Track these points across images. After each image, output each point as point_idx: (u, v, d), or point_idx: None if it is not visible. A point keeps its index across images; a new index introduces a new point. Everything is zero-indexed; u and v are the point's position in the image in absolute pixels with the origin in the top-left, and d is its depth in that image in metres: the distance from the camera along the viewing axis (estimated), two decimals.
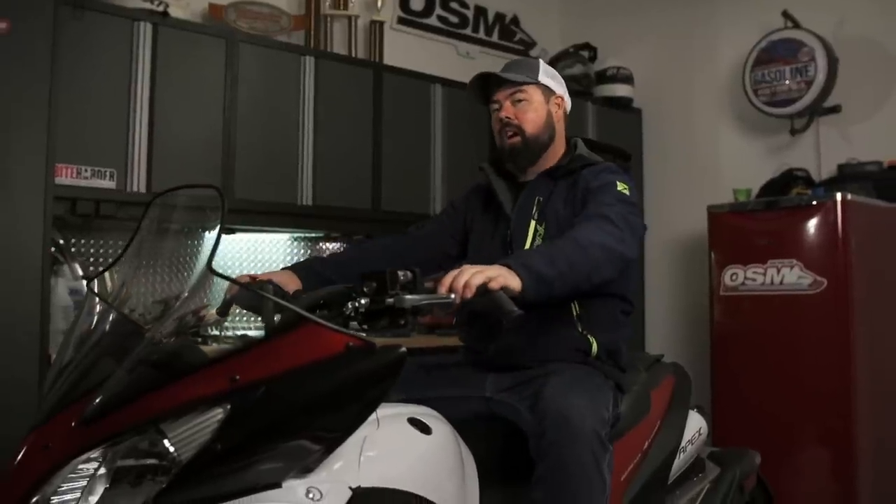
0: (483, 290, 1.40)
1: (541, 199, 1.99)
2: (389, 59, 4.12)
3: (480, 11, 4.79)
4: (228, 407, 1.16)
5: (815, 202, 3.37)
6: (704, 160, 4.24)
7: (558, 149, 2.09)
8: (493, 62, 4.79)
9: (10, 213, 2.62)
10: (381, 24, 4.16)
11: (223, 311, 1.87)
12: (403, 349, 1.22)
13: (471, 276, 1.42)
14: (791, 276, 3.36)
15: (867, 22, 3.80)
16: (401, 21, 4.40)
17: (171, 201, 1.67)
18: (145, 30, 3.12)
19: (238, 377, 1.17)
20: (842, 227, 3.27)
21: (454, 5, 4.66)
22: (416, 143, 3.98)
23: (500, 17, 4.88)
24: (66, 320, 2.76)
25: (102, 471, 1.21)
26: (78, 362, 1.35)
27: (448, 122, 4.08)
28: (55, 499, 1.20)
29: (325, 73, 3.63)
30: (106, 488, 1.21)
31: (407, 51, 4.30)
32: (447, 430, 1.58)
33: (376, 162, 3.80)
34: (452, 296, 1.38)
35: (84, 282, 2.97)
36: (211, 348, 1.42)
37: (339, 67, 3.73)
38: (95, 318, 1.48)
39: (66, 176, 2.88)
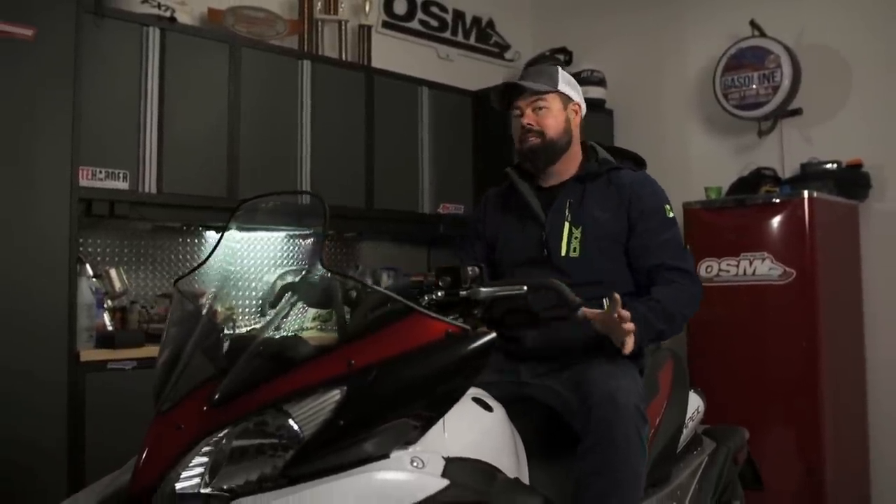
0: (548, 285, 1.60)
1: (572, 202, 2.15)
2: (376, 61, 4.28)
3: (458, 15, 4.97)
4: (345, 388, 1.33)
5: (783, 199, 3.64)
6: (675, 160, 4.49)
7: (576, 153, 2.25)
8: (470, 64, 5.00)
9: (37, 214, 2.73)
10: (369, 28, 4.31)
11: (275, 304, 2.01)
12: (493, 335, 1.39)
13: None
14: (762, 267, 3.62)
15: (826, 31, 4.08)
16: (385, 25, 4.56)
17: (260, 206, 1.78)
18: (154, 35, 3.23)
19: (353, 361, 1.34)
20: (808, 222, 3.55)
21: (434, 9, 4.83)
22: (406, 143, 4.16)
23: (476, 20, 5.07)
24: (89, 318, 2.86)
25: (227, 448, 1.36)
26: (188, 355, 1.49)
27: (434, 123, 4.25)
28: (185, 473, 1.35)
29: (320, 76, 3.78)
30: (226, 464, 1.36)
31: (392, 53, 4.46)
32: (502, 409, 1.76)
33: (369, 161, 3.96)
34: (524, 288, 1.57)
35: (94, 280, 3.07)
36: (319, 336, 1.56)
37: (332, 71, 3.88)
38: (189, 315, 1.60)
39: (83, 178, 2.98)
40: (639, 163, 2.32)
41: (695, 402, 2.51)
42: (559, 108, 2.21)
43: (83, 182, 2.97)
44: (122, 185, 3.12)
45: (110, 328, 3.09)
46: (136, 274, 3.52)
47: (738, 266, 3.70)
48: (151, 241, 3.60)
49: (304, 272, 1.86)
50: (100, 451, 2.79)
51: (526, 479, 1.75)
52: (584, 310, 1.83)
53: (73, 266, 2.78)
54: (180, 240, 3.70)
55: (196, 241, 3.75)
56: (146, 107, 3.20)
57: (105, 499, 1.43)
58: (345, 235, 4.25)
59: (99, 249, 3.40)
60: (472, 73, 4.87)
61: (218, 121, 3.42)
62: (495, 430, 1.67)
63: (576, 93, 2.28)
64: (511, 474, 1.64)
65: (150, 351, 2.97)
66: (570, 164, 2.23)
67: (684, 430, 2.39)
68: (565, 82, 2.24)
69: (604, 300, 1.90)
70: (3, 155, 2.65)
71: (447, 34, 4.90)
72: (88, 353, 2.81)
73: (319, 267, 1.46)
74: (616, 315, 1.78)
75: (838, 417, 3.61)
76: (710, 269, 3.77)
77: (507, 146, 4.28)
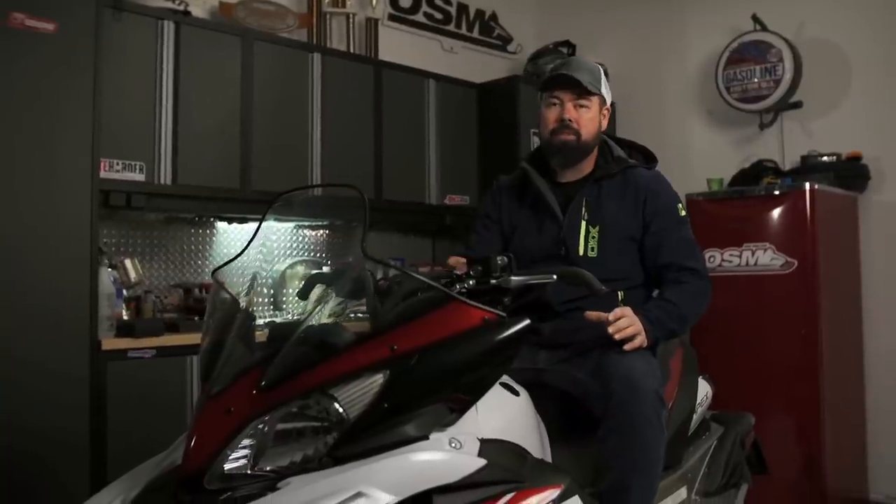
0: (576, 274, 1.67)
1: (589, 200, 2.20)
2: (382, 53, 4.33)
3: (462, 8, 5.02)
4: (388, 372, 1.39)
5: (784, 191, 3.73)
6: (676, 152, 4.56)
7: (595, 152, 2.29)
8: (474, 56, 5.05)
9: (59, 205, 2.77)
10: (376, 21, 4.36)
11: (304, 294, 2.08)
12: (527, 321, 1.46)
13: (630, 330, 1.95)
14: (764, 257, 3.71)
15: (825, 25, 4.16)
16: (391, 18, 4.60)
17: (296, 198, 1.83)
18: (169, 29, 3.27)
19: (395, 347, 1.40)
20: (810, 213, 3.63)
21: (438, 2, 4.88)
22: (412, 135, 4.21)
23: (479, 13, 5.13)
24: (110, 307, 2.91)
25: (271, 430, 1.42)
26: (231, 342, 1.55)
27: (441, 115, 4.31)
28: (234, 454, 1.41)
29: (330, 69, 3.83)
30: (271, 446, 1.43)
31: (398, 46, 4.51)
32: (527, 393, 1.83)
33: (377, 152, 4.02)
34: (554, 277, 1.64)
35: (110, 270, 3.12)
36: (357, 324, 1.63)
37: (342, 63, 3.93)
38: (227, 303, 1.66)
39: (101, 169, 3.01)
40: (649, 157, 2.35)
41: (704, 388, 2.59)
42: (597, 110, 2.24)
43: (101, 174, 3.00)
44: (139, 176, 3.17)
45: (126, 318, 3.14)
46: (148, 264, 3.56)
47: (740, 256, 3.79)
48: (164, 232, 3.65)
49: (319, 263, 1.91)
50: (121, 440, 2.85)
51: (549, 461, 1.82)
52: (587, 313, 1.96)
53: (95, 256, 2.83)
54: (192, 231, 3.75)
55: (208, 231, 3.80)
56: (162, 99, 3.24)
57: (155, 479, 1.49)
58: (353, 226, 4.30)
59: (113, 240, 3.44)
60: (476, 65, 4.93)
61: (231, 113, 3.46)
62: (522, 414, 1.74)
63: (609, 96, 2.30)
64: (537, 455, 1.72)
65: (170, 340, 3.04)
66: (588, 163, 2.27)
67: (694, 415, 2.47)
68: (605, 85, 2.27)
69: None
70: (27, 147, 2.69)
71: (451, 27, 4.95)
72: (109, 342, 2.86)
73: (362, 256, 1.51)
74: (613, 331, 1.95)
75: (837, 404, 3.70)
76: (713, 259, 3.85)
77: (512, 139, 4.39)
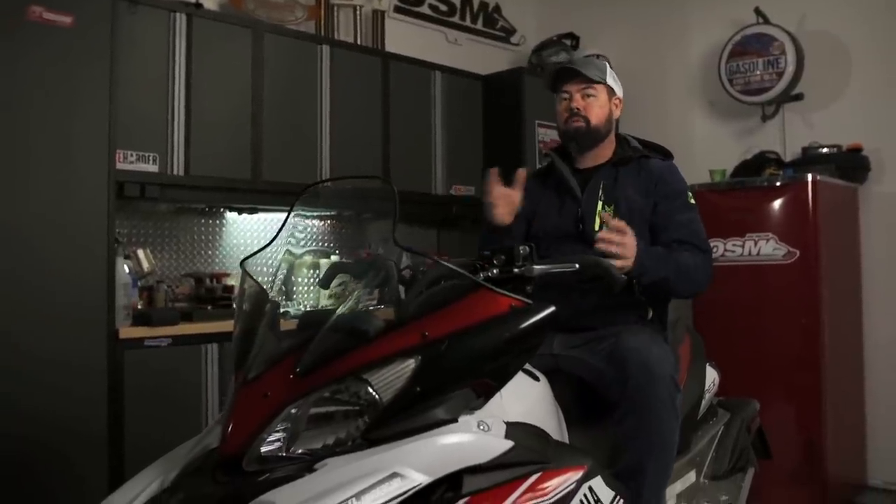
0: (597, 262, 1.72)
1: (606, 183, 2.31)
2: (388, 46, 4.37)
3: (466, 0, 5.06)
4: (419, 358, 1.44)
5: (787, 182, 3.78)
6: (679, 143, 4.53)
7: (611, 141, 2.41)
8: (477, 48, 5.10)
9: (77, 196, 2.82)
10: (382, 13, 4.39)
11: (325, 283, 2.13)
12: (553, 308, 1.51)
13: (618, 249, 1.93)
14: (767, 247, 3.77)
15: (827, 17, 4.21)
16: (397, 10, 4.64)
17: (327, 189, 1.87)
18: (181, 21, 3.30)
19: (427, 333, 1.45)
20: (812, 204, 3.69)
21: None
22: (419, 126, 4.25)
23: (483, 5, 5.17)
24: (126, 296, 2.96)
25: (304, 414, 1.47)
26: (263, 329, 1.60)
27: (446, 107, 4.36)
28: (271, 437, 1.46)
29: (338, 60, 3.87)
30: (304, 430, 1.48)
31: (403, 38, 4.55)
32: (546, 379, 1.89)
33: (385, 143, 4.06)
34: (577, 265, 1.69)
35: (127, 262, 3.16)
36: (385, 312, 1.68)
37: (350, 55, 3.97)
38: (255, 292, 1.71)
39: (115, 161, 3.05)
40: (666, 154, 2.47)
41: (711, 375, 2.65)
42: (605, 99, 2.37)
43: (116, 165, 3.04)
44: (153, 167, 3.21)
45: (139, 307, 3.19)
46: (159, 255, 3.60)
47: (743, 246, 3.84)
48: (174, 223, 3.69)
49: (327, 252, 1.96)
50: (139, 426, 2.90)
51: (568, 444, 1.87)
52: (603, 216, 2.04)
53: (112, 246, 2.88)
54: (202, 221, 3.79)
55: (217, 222, 3.84)
56: (174, 91, 3.28)
57: (191, 462, 1.54)
58: (363, 217, 4.34)
59: (125, 231, 3.48)
60: (480, 57, 4.97)
61: (242, 104, 3.50)
62: (543, 398, 1.80)
63: (619, 88, 2.43)
64: (556, 438, 1.77)
65: (185, 329, 3.08)
66: (606, 151, 2.40)
67: (703, 401, 2.53)
68: (612, 77, 2.40)
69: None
70: (44, 139, 2.73)
71: (455, 18, 5.00)
72: (127, 331, 2.91)
73: (393, 246, 1.56)
74: (614, 226, 1.96)
75: (837, 392, 3.77)
76: (716, 249, 3.89)
77: (516, 130, 4.44)
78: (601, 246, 1.92)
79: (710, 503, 2.44)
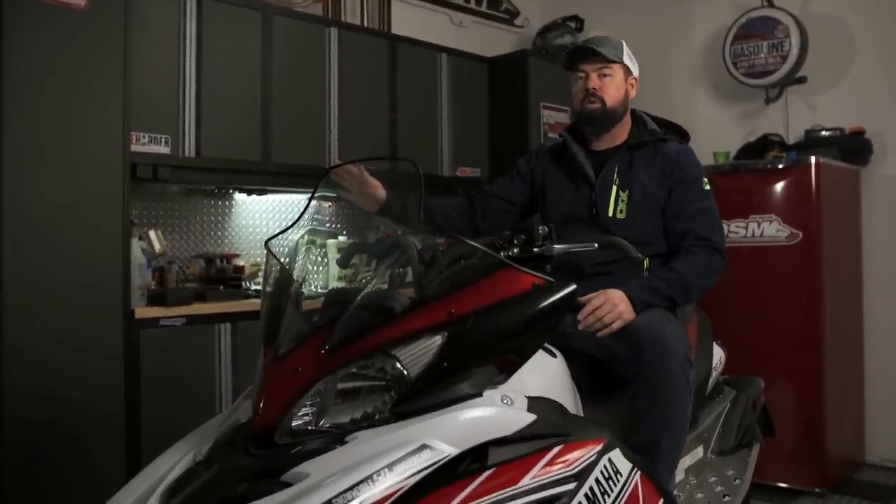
0: (615, 242, 1.77)
1: (621, 167, 2.31)
2: (394, 28, 4.39)
3: None
4: (446, 334, 1.49)
5: (790, 164, 3.83)
6: (683, 125, 4.63)
7: (627, 123, 2.41)
8: (482, 31, 5.11)
9: (92, 177, 2.84)
10: None
11: (344, 263, 2.17)
12: (574, 286, 1.56)
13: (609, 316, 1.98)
14: (770, 229, 3.82)
15: (831, 0, 4.24)
16: None
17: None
18: (192, 4, 3.32)
19: (453, 310, 1.50)
20: (815, 186, 3.74)
21: None
22: (425, 108, 4.28)
23: None
24: (141, 276, 2.99)
25: (332, 389, 1.52)
26: (290, 307, 1.65)
27: (452, 89, 4.38)
28: (302, 411, 1.51)
29: (346, 43, 3.89)
30: (332, 404, 1.52)
31: (409, 20, 4.58)
32: (562, 355, 1.94)
33: (392, 125, 4.09)
34: (595, 245, 1.74)
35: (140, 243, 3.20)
36: (409, 290, 1.72)
37: (357, 38, 3.99)
38: (280, 271, 1.75)
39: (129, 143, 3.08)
40: (682, 134, 2.46)
41: (718, 353, 2.70)
42: (621, 79, 2.36)
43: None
44: (165, 149, 3.24)
45: (153, 287, 3.23)
46: (170, 235, 3.64)
47: (746, 228, 3.89)
48: (184, 204, 3.72)
49: (335, 233, 1.99)
50: (154, 405, 2.95)
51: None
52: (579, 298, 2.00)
53: (127, 227, 2.91)
54: (211, 202, 3.82)
55: (227, 203, 3.87)
56: (186, 74, 3.30)
57: (222, 436, 1.59)
58: None
59: (136, 212, 3.51)
60: (484, 39, 5.00)
61: (251, 86, 3.52)
62: (559, 374, 1.85)
63: (635, 67, 2.42)
64: (574, 413, 1.82)
65: (199, 308, 3.13)
66: (621, 132, 2.39)
67: (710, 379, 2.59)
68: (628, 56, 2.39)
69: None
70: (59, 121, 2.75)
71: (460, 1, 5.01)
72: (142, 311, 2.95)
73: (420, 226, 1.60)
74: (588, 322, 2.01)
75: (837, 372, 3.83)
76: None
77: (522, 112, 4.47)
78: (586, 329, 1.99)
79: (717, 478, 2.50)
